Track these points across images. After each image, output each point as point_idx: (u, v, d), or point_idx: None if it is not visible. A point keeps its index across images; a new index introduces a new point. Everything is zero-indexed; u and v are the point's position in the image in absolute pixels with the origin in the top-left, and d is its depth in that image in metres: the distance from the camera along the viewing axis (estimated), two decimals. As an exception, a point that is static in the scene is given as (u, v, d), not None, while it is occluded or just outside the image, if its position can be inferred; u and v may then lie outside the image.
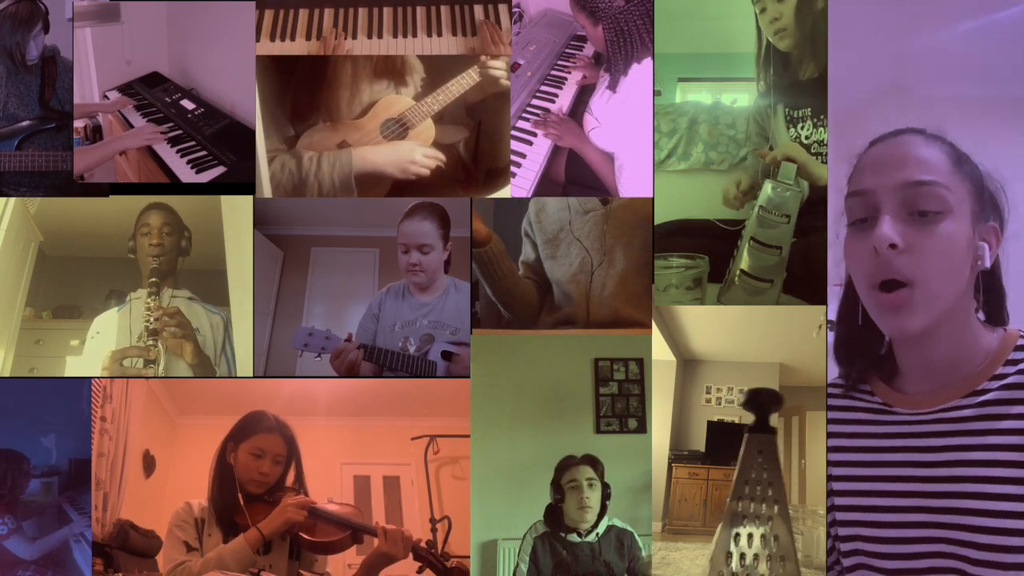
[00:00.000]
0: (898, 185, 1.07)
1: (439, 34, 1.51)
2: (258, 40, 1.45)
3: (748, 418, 1.41)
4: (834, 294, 1.36)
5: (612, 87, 1.49)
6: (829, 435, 1.21)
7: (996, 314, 1.17)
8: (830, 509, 1.19)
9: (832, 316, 1.30)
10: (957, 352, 1.11)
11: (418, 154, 1.48)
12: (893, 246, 1.05)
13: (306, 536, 1.41)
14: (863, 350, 1.21)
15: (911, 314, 1.06)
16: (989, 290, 1.16)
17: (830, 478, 1.19)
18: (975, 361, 1.11)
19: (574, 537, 1.46)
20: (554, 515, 1.48)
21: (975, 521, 1.04)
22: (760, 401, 1.41)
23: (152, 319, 1.52)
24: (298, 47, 1.47)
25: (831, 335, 1.29)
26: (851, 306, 1.19)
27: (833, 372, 1.30)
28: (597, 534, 1.47)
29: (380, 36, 1.49)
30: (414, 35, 1.51)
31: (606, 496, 1.47)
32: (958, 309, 1.10)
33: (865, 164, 1.13)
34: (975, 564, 1.03)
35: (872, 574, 1.12)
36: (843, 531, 1.15)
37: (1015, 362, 1.10)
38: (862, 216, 1.10)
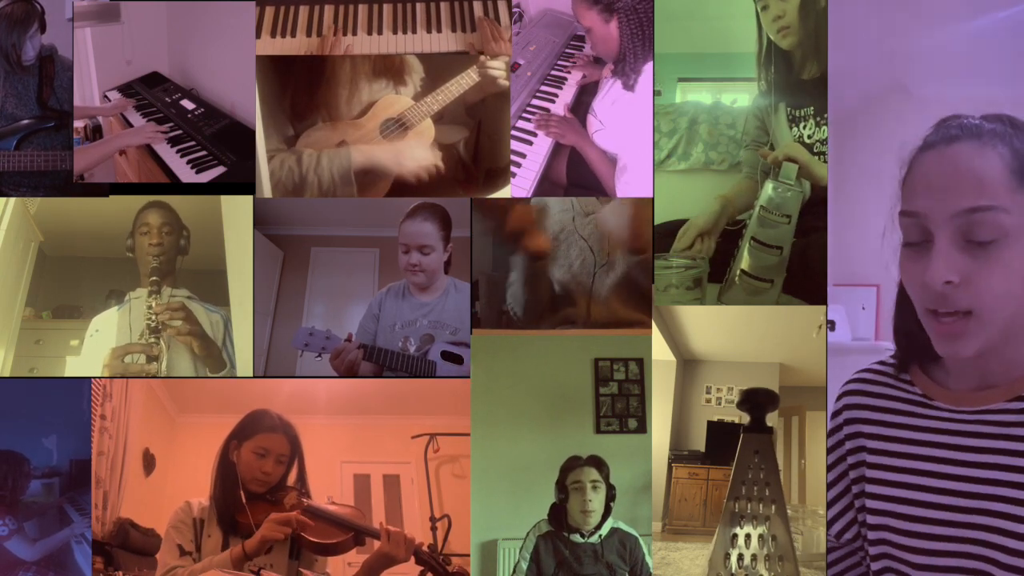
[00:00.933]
0: (952, 213, 1.01)
1: (439, 30, 1.51)
2: (259, 37, 1.45)
3: (746, 419, 1.41)
4: (834, 294, 1.36)
5: (629, 87, 1.47)
6: (868, 422, 1.19)
7: None
8: (860, 495, 1.18)
9: (833, 317, 1.29)
10: (1007, 357, 1.09)
11: (417, 154, 1.48)
12: (949, 282, 1.01)
13: (308, 537, 1.41)
14: (918, 338, 1.18)
15: (967, 340, 1.03)
16: None
17: (862, 464, 1.18)
18: (1022, 367, 1.09)
19: (577, 537, 1.46)
20: (558, 515, 1.48)
21: (1007, 525, 1.03)
22: (756, 401, 1.41)
23: (154, 316, 1.52)
24: (298, 43, 1.47)
25: (834, 337, 1.28)
26: (908, 302, 1.16)
27: (835, 370, 1.30)
28: (600, 536, 1.47)
29: (380, 32, 1.49)
30: (413, 31, 1.51)
31: (611, 497, 1.47)
32: (1012, 320, 1.07)
33: (917, 179, 1.07)
34: (1003, 568, 1.03)
35: (897, 564, 1.12)
36: (872, 519, 1.15)
37: None
38: (916, 239, 1.05)
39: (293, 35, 1.47)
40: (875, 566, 1.15)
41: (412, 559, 1.40)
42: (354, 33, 1.48)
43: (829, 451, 1.22)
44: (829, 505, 1.22)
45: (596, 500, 1.45)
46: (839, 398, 1.23)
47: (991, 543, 1.04)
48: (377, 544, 1.41)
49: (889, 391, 1.19)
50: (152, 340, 1.51)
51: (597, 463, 1.46)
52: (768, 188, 1.41)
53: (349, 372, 1.48)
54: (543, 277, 1.56)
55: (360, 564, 1.41)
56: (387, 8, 1.50)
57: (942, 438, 1.11)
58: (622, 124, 1.48)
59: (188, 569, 1.37)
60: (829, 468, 1.22)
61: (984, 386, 1.11)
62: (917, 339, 1.17)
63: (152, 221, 1.53)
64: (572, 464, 1.46)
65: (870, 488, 1.16)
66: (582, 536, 1.46)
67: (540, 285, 1.56)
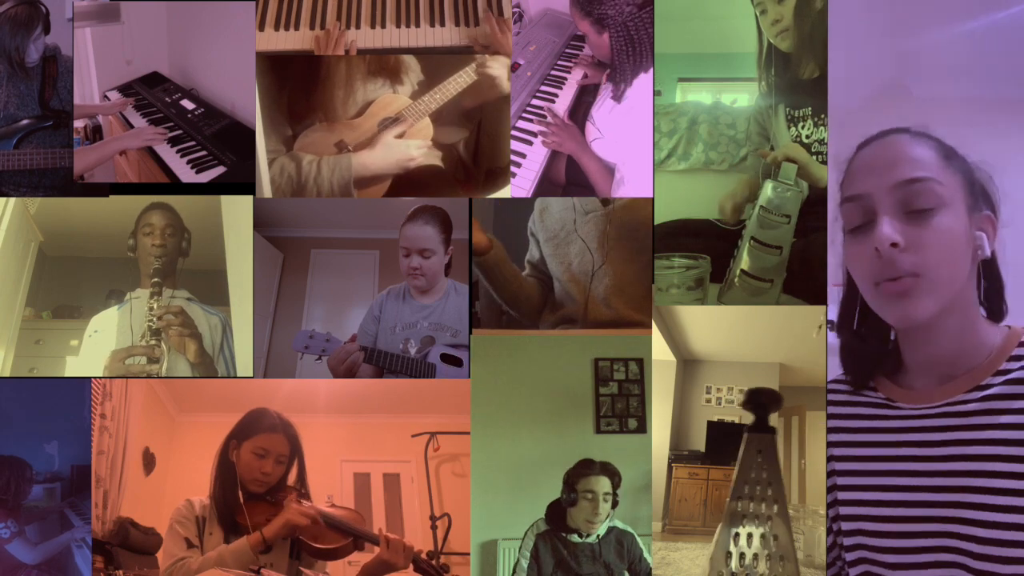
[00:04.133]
0: (892, 185, 1.09)
1: (441, 24, 1.51)
2: (261, 30, 1.45)
3: (748, 418, 1.41)
4: (834, 295, 1.37)
5: (616, 98, 1.48)
6: (832, 430, 1.21)
7: (996, 304, 1.19)
8: (832, 503, 1.20)
9: (832, 318, 1.31)
10: (961, 346, 1.13)
11: (413, 149, 1.48)
12: (895, 244, 1.07)
13: (308, 542, 1.41)
14: (867, 351, 1.21)
15: (918, 300, 1.07)
16: (989, 279, 1.17)
17: (833, 473, 1.20)
18: (979, 356, 1.13)
19: (575, 537, 1.46)
20: (556, 514, 1.47)
21: (977, 515, 1.05)
22: (760, 401, 1.41)
23: (155, 318, 1.52)
24: (302, 36, 1.47)
25: (833, 338, 1.30)
26: (850, 309, 1.20)
27: (835, 370, 1.31)
28: (598, 535, 1.47)
29: (383, 26, 1.50)
30: (416, 25, 1.51)
31: (614, 504, 1.47)
32: (962, 302, 1.11)
33: (856, 168, 1.15)
34: (977, 558, 1.04)
35: (875, 568, 1.13)
36: (846, 526, 1.16)
37: (1019, 358, 1.11)
38: (859, 222, 1.12)
39: (296, 28, 1.47)
40: (853, 572, 1.16)
41: (411, 566, 1.40)
42: (357, 27, 1.48)
43: None
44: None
45: (604, 511, 1.45)
46: None
47: (962, 534, 1.06)
48: (376, 550, 1.41)
49: (852, 398, 1.22)
50: (153, 342, 1.51)
51: (610, 473, 1.45)
52: (768, 188, 1.41)
53: (348, 375, 1.48)
54: (499, 270, 1.56)
55: (360, 566, 1.41)
56: (390, 1, 1.50)
57: (907, 436, 1.14)
58: (620, 132, 1.48)
59: (198, 559, 1.38)
60: None
61: (944, 380, 1.13)
62: (867, 354, 1.20)
63: (155, 222, 1.53)
64: (585, 470, 1.45)
65: (842, 495, 1.17)
66: (580, 536, 1.46)
67: (503, 280, 1.57)
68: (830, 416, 1.23)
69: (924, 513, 1.10)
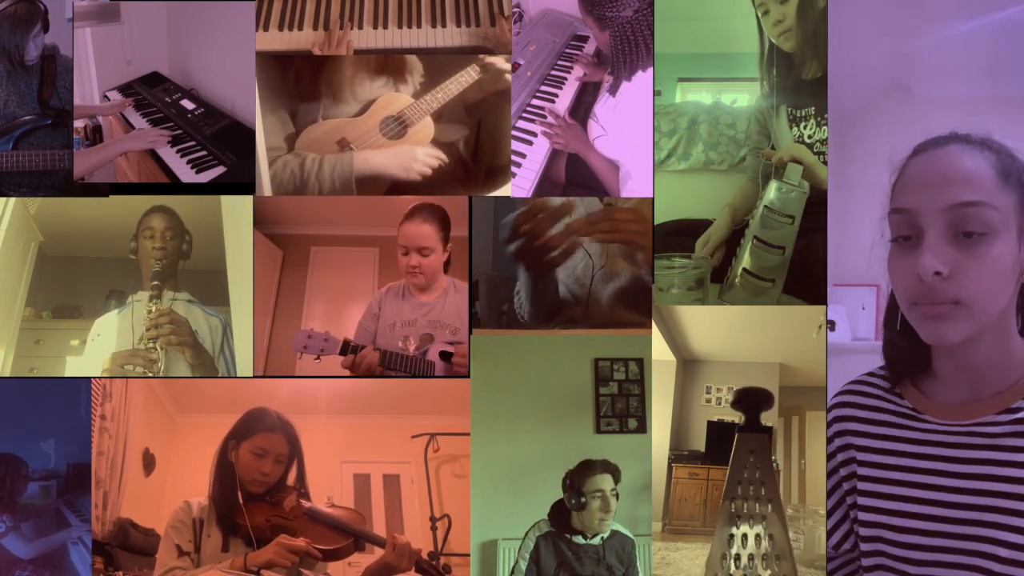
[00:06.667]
0: (943, 208, 1.04)
1: (443, 25, 1.52)
2: (266, 30, 1.45)
3: (742, 418, 1.41)
4: (834, 294, 1.36)
5: (612, 91, 1.49)
6: (856, 433, 1.19)
7: None
8: (853, 506, 1.18)
9: (833, 317, 1.30)
10: (995, 363, 1.10)
11: (419, 154, 1.48)
12: (938, 273, 1.03)
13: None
14: (907, 348, 1.19)
15: (954, 324, 1.04)
16: None
17: (853, 476, 1.18)
18: (1012, 376, 1.10)
19: (579, 539, 1.46)
20: (560, 516, 1.47)
21: (999, 535, 1.04)
22: (750, 401, 1.42)
23: (151, 326, 1.52)
24: (305, 37, 1.47)
25: (835, 336, 1.29)
26: (894, 310, 1.17)
27: (835, 370, 1.30)
28: (602, 537, 1.47)
29: (385, 27, 1.50)
30: (418, 26, 1.51)
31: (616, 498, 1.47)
32: (1000, 320, 1.08)
33: (908, 179, 1.10)
34: None
35: (891, 575, 1.13)
36: (864, 531, 1.15)
37: None
38: (905, 233, 1.08)
39: (300, 28, 1.47)
40: (867, 564, 1.16)
41: (413, 569, 1.40)
42: (360, 27, 1.49)
43: (827, 459, 1.22)
44: (827, 515, 1.23)
45: (615, 507, 1.45)
46: (829, 409, 1.23)
47: (984, 553, 1.05)
48: (378, 551, 1.41)
49: (878, 403, 1.20)
50: (151, 346, 1.51)
51: (611, 469, 1.46)
52: (772, 189, 1.41)
53: (367, 374, 1.48)
54: (550, 283, 1.55)
55: (361, 568, 1.41)
56: (392, 2, 1.50)
57: (932, 450, 1.12)
58: (624, 129, 1.48)
59: (189, 573, 1.37)
60: (828, 477, 1.22)
61: (974, 398, 1.11)
62: (906, 352, 1.18)
63: (156, 225, 1.53)
64: (587, 471, 1.45)
65: (862, 500, 1.16)
66: (584, 537, 1.46)
67: (546, 292, 1.56)
68: (854, 420, 1.19)
69: (945, 529, 1.08)
